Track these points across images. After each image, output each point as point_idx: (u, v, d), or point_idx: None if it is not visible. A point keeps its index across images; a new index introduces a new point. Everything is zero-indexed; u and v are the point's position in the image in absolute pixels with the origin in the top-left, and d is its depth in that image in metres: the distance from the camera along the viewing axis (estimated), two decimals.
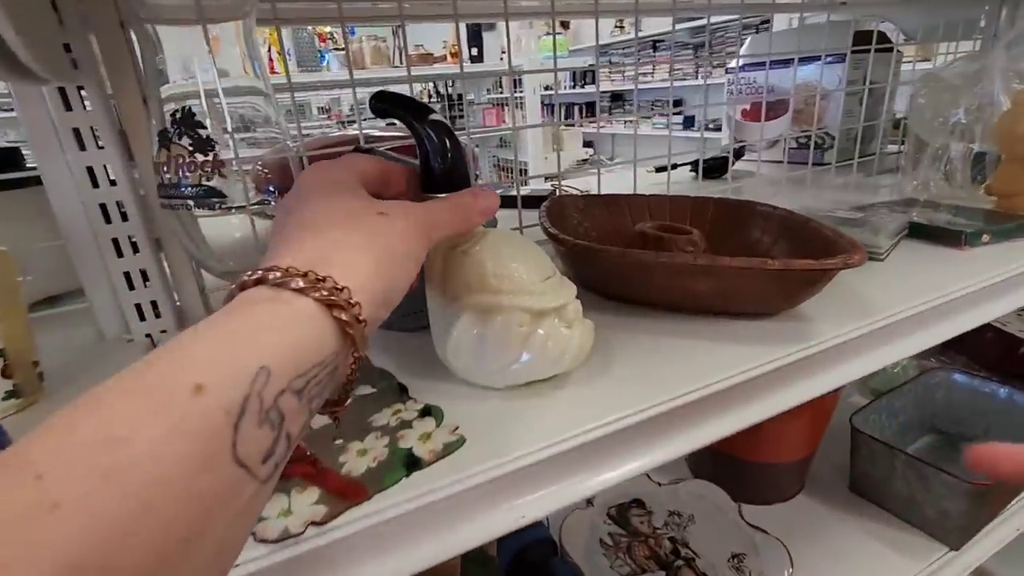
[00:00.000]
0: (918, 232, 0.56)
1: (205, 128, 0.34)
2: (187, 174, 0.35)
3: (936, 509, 0.60)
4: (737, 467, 0.66)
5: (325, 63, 3.35)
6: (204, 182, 0.35)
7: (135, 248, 0.45)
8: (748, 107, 1.03)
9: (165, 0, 0.36)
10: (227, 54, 0.38)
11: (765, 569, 0.54)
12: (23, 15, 0.31)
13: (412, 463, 0.27)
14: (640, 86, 4.26)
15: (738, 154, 1.00)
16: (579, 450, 0.29)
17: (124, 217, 0.44)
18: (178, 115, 0.34)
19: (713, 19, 0.99)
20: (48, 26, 0.37)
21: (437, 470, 0.27)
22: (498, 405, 0.32)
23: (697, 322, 0.40)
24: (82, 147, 0.42)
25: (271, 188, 0.40)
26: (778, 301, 0.39)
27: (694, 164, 0.97)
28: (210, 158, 0.35)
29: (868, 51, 0.83)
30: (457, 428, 0.29)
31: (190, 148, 0.34)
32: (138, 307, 0.47)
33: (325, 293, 0.19)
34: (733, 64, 0.99)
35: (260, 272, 0.20)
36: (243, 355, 0.17)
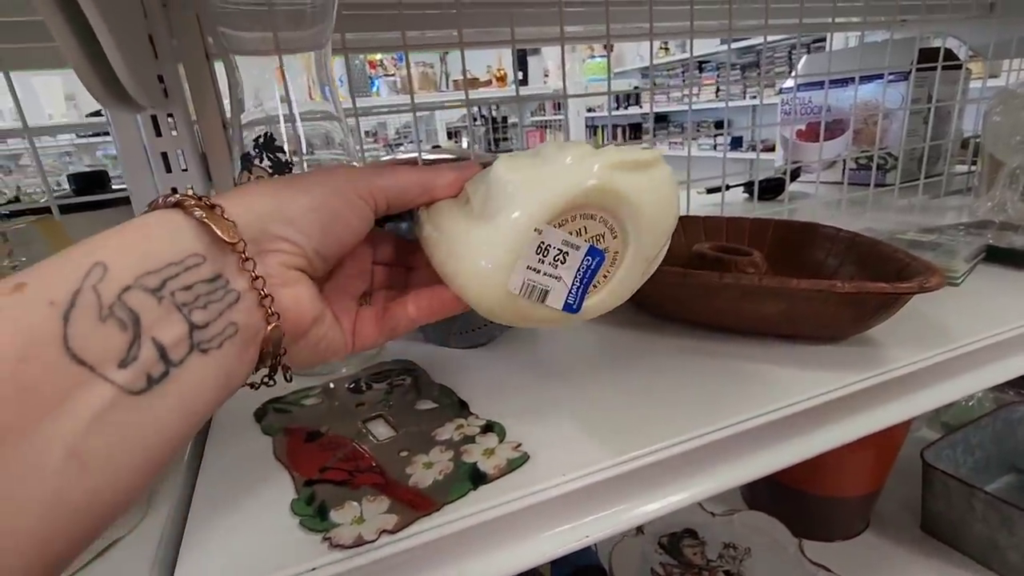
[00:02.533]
0: (997, 256, 0.53)
1: (284, 152, 0.36)
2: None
3: (1021, 554, 0.55)
4: (797, 500, 0.63)
5: (375, 89, 3.49)
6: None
7: None
8: (804, 127, 1.01)
9: (247, 34, 0.39)
10: (302, 81, 0.40)
11: None
12: (129, 49, 0.34)
13: (477, 477, 0.27)
14: (685, 107, 4.24)
15: (793, 175, 0.97)
16: (644, 471, 0.29)
17: None
18: (261, 140, 0.36)
19: (760, 39, 0.98)
20: (146, 58, 0.41)
21: (502, 485, 0.27)
22: (559, 422, 0.32)
23: (760, 345, 0.39)
24: (168, 169, 0.45)
25: None
26: (848, 326, 0.38)
27: (747, 185, 0.95)
28: None
29: (935, 68, 0.80)
30: (520, 445, 0.29)
31: (270, 171, 0.36)
32: None
33: (193, 203, 0.20)
34: (789, 84, 0.98)
35: (175, 196, 0.20)
36: (77, 255, 0.17)
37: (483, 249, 0.25)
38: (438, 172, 0.27)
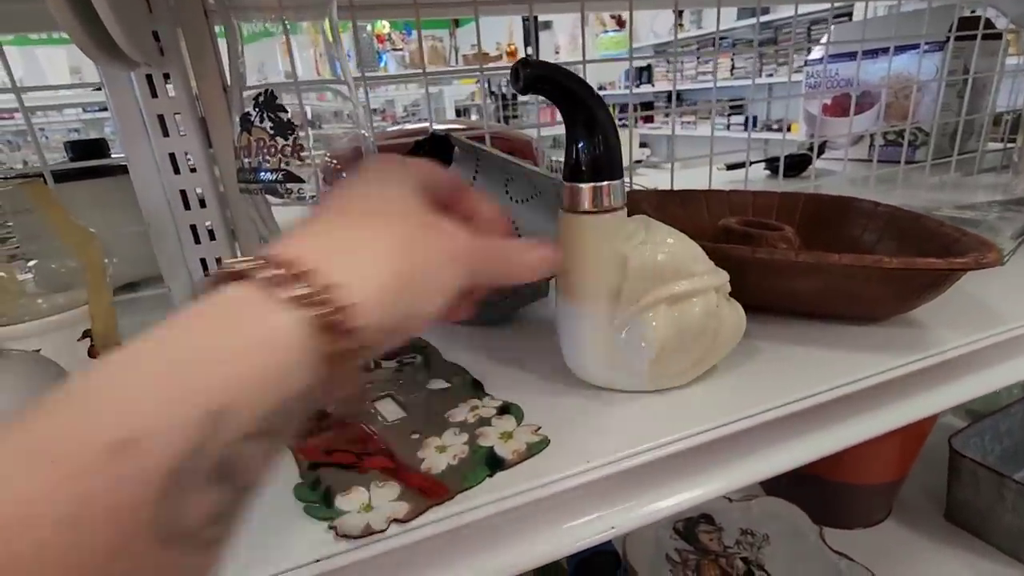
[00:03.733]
0: None
1: (286, 111, 0.34)
2: (267, 158, 0.34)
3: None
4: (817, 487, 0.61)
5: (383, 63, 3.42)
6: (284, 166, 0.34)
7: (212, 236, 0.46)
8: (829, 102, 0.97)
9: None
10: (308, 45, 0.38)
11: None
12: (119, 2, 0.32)
13: (495, 462, 0.25)
14: (700, 85, 4.14)
15: (817, 152, 0.93)
16: (672, 459, 0.27)
17: (202, 204, 0.45)
18: (261, 98, 0.34)
19: (780, 14, 0.93)
20: (139, 13, 0.38)
21: (520, 472, 0.25)
22: (578, 403, 0.30)
23: (793, 325, 0.37)
24: (165, 133, 0.42)
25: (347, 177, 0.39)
26: (890, 305, 0.35)
27: (769, 162, 0.92)
28: (290, 142, 0.34)
29: (973, 38, 0.75)
30: (539, 428, 0.27)
31: (271, 131, 0.34)
32: None
33: (321, 310, 0.15)
34: (815, 55, 0.93)
35: (248, 262, 0.16)
36: (191, 392, 0.13)
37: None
38: (523, 267, 0.25)
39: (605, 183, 0.28)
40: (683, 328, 0.29)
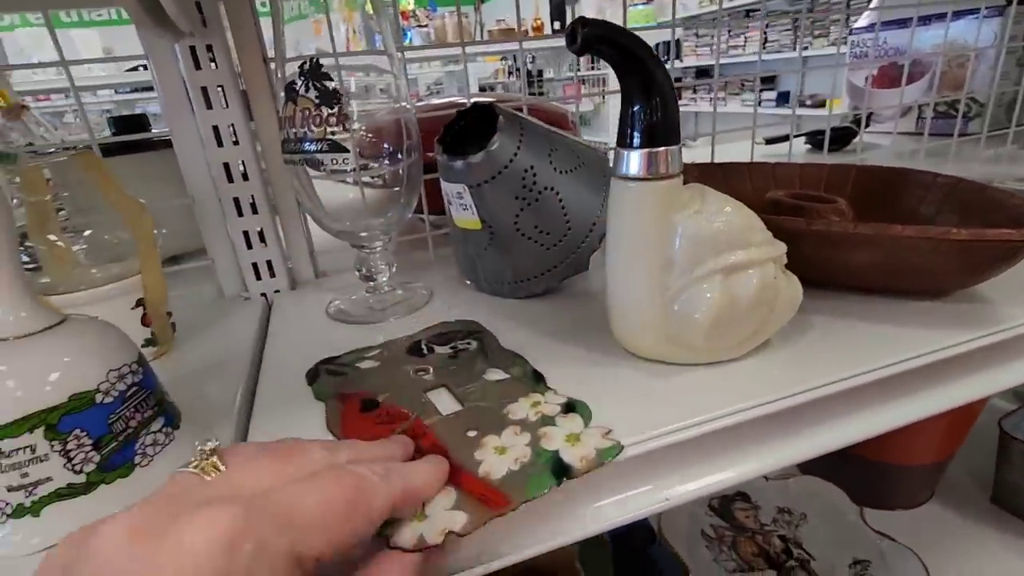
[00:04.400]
0: None
1: (331, 80, 0.33)
2: (312, 128, 0.34)
3: None
4: (858, 466, 0.60)
5: (408, 40, 3.39)
6: (329, 136, 0.34)
7: (254, 208, 0.46)
8: (875, 72, 0.92)
9: None
10: (341, 23, 0.37)
11: None
12: None
13: (561, 470, 0.22)
14: (730, 60, 4.00)
15: (859, 123, 0.90)
16: (728, 432, 0.26)
17: (245, 177, 0.45)
18: (306, 66, 0.33)
19: None
20: None
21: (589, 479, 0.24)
22: (627, 376, 0.30)
23: (851, 300, 0.35)
24: (209, 106, 0.43)
25: (389, 150, 0.39)
26: (956, 279, 0.34)
27: (811, 135, 0.88)
28: (335, 111, 0.34)
29: None
30: (610, 432, 0.24)
31: (316, 101, 0.34)
32: (255, 266, 0.48)
33: None
34: (862, 23, 0.89)
35: None
36: None
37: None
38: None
39: (662, 148, 0.27)
40: (738, 300, 0.28)
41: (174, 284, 0.52)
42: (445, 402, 0.29)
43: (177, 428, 0.26)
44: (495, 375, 0.30)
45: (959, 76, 0.82)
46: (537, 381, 0.29)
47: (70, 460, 0.21)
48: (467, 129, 0.40)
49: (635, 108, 0.26)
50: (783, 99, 3.73)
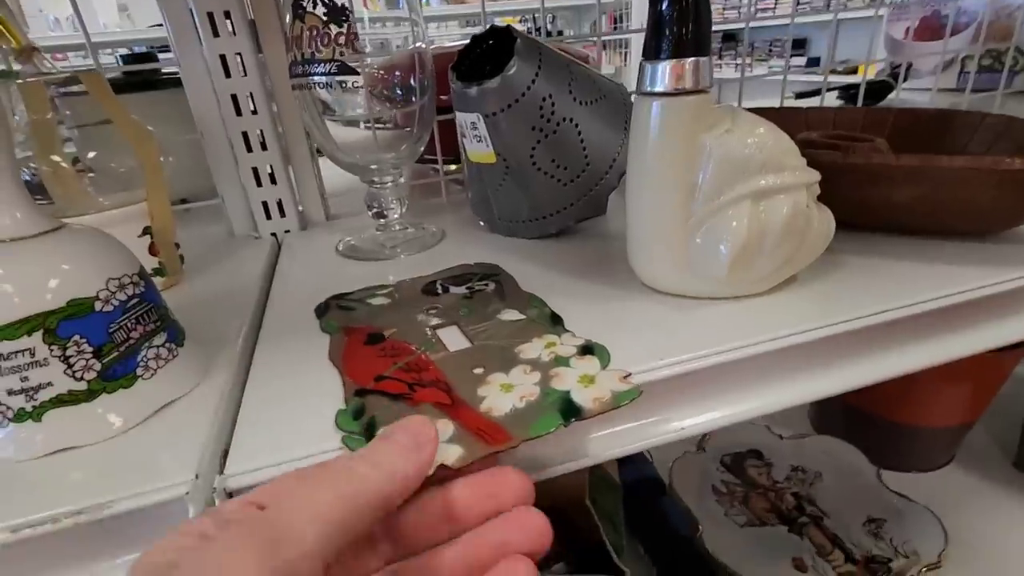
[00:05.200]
0: None
1: None
2: (321, 48, 0.33)
3: None
4: (876, 427, 0.58)
5: (425, 1, 3.31)
6: (338, 56, 0.32)
7: (263, 145, 0.45)
8: (916, 23, 0.87)
9: None
10: None
11: (911, 539, 0.48)
12: None
13: (570, 410, 0.21)
14: (757, 23, 3.84)
15: (897, 79, 0.85)
16: (748, 363, 0.25)
17: (254, 111, 0.44)
18: None
19: None
20: None
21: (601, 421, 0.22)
22: (645, 308, 0.28)
23: (889, 240, 0.33)
24: (215, 33, 0.41)
25: (402, 90, 0.37)
26: (1003, 216, 0.32)
27: (844, 90, 0.84)
28: (344, 29, 0.32)
29: None
30: (629, 375, 0.22)
31: (324, 18, 0.32)
32: (264, 205, 0.47)
33: None
34: None
35: None
36: None
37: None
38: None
39: (690, 59, 0.25)
40: (767, 228, 0.26)
41: (184, 224, 0.51)
42: (454, 339, 0.27)
43: (181, 346, 0.25)
44: (510, 315, 0.29)
45: (1007, 27, 0.76)
46: (554, 323, 0.27)
47: (70, 366, 0.21)
48: (483, 58, 0.38)
49: (662, 9, 0.24)
50: (813, 63, 3.58)
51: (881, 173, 0.31)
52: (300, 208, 0.49)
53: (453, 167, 0.56)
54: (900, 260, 0.31)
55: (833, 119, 0.48)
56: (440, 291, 0.33)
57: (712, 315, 0.27)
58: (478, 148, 0.37)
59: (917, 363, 0.28)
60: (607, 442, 0.24)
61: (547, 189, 0.38)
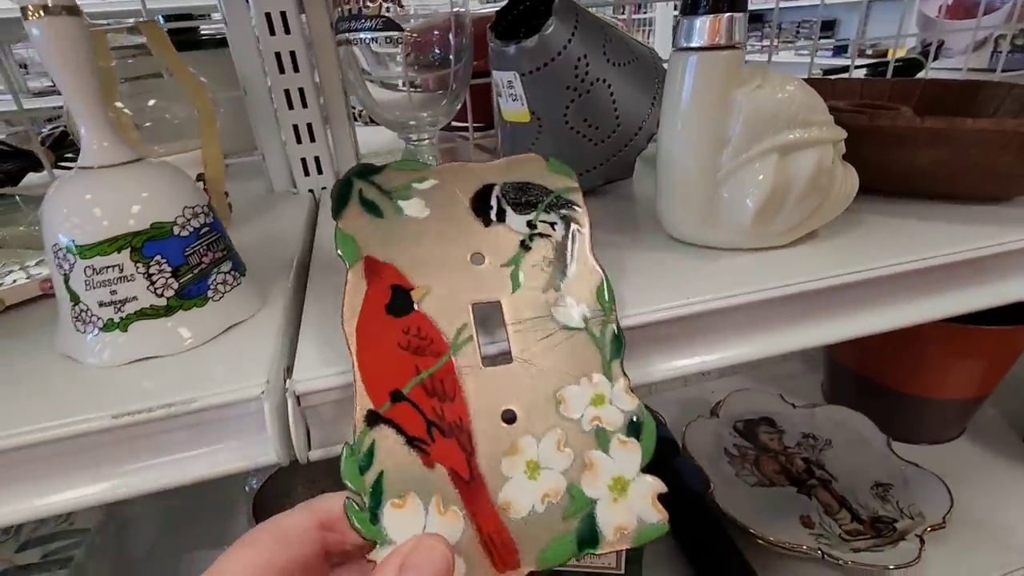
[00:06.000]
0: None
1: None
2: (368, 4, 0.34)
3: None
4: (888, 399, 0.59)
5: None
6: (384, 12, 0.34)
7: (304, 102, 0.47)
8: (950, 1, 0.86)
9: None
10: None
11: (917, 502, 0.50)
12: None
13: (589, 538, 0.19)
14: (784, 4, 3.74)
15: (927, 57, 0.84)
16: (767, 305, 0.27)
17: (296, 68, 0.45)
18: None
19: None
20: None
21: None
22: (671, 258, 0.30)
23: (910, 203, 0.35)
24: None
25: (439, 54, 0.39)
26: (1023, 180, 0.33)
27: (871, 68, 0.84)
28: None
29: None
30: (660, 494, 0.20)
31: None
32: (303, 162, 0.49)
33: None
34: None
35: None
36: None
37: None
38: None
39: (726, 15, 0.26)
40: (792, 182, 0.28)
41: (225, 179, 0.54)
42: (493, 333, 0.22)
43: (243, 275, 0.27)
44: (568, 314, 0.23)
45: None
46: (615, 351, 0.22)
47: (152, 283, 0.23)
48: (521, 17, 0.39)
49: None
50: (841, 51, 3.50)
51: (906, 135, 0.32)
52: (336, 170, 0.51)
53: (479, 134, 0.57)
54: (919, 220, 0.33)
55: (860, 90, 0.48)
56: (494, 210, 0.24)
57: (734, 264, 0.29)
58: (513, 107, 0.39)
59: (926, 315, 0.30)
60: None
61: (578, 148, 0.39)
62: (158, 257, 0.23)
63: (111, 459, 0.21)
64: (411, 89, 0.40)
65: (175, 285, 0.24)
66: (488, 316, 0.22)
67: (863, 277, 0.27)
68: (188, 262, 0.24)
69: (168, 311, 0.24)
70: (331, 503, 0.19)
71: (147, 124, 0.39)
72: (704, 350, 0.26)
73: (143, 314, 0.23)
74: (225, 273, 0.26)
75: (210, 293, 0.25)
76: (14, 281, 0.30)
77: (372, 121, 0.55)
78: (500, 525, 0.19)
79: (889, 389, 0.59)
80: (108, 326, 0.23)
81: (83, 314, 0.23)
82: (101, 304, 0.23)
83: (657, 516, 0.20)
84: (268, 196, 0.50)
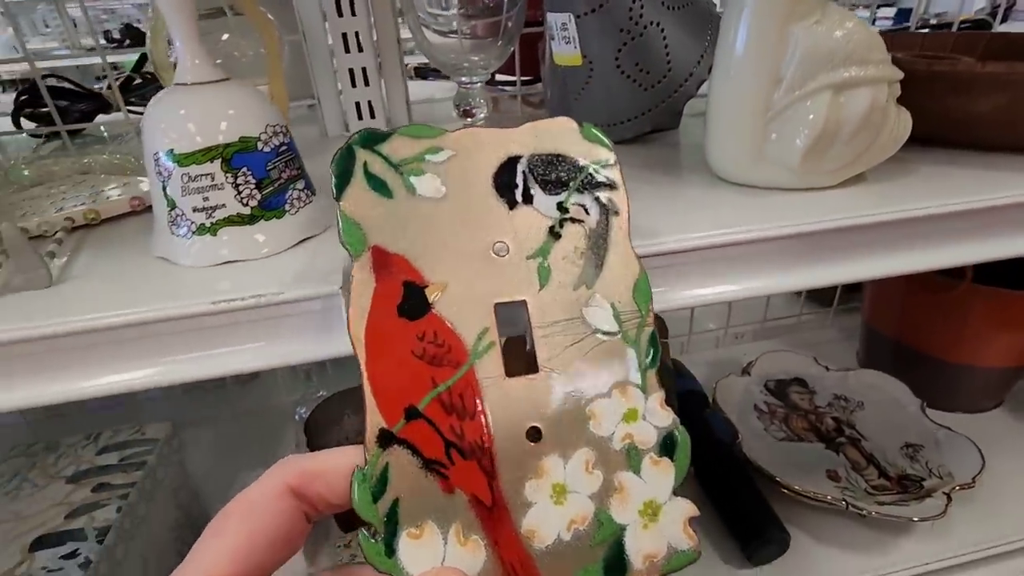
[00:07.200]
0: None
1: None
2: None
3: None
4: (926, 365, 0.59)
5: None
6: None
7: (360, 47, 0.48)
8: None
9: None
10: None
11: (947, 463, 0.50)
12: None
13: (616, 567, 0.18)
14: None
15: (995, 18, 0.80)
16: (805, 240, 0.27)
17: (353, 12, 0.47)
18: None
19: None
20: None
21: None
22: (714, 194, 0.31)
23: (963, 153, 0.34)
24: None
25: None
26: None
27: (936, 28, 0.80)
28: None
29: None
30: (692, 518, 0.19)
31: None
32: (357, 106, 0.51)
33: None
34: None
35: None
36: None
37: None
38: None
39: None
40: (844, 119, 0.28)
41: None
42: (516, 339, 0.20)
43: (314, 195, 0.29)
44: (600, 316, 0.20)
45: None
46: (653, 359, 0.20)
47: (239, 192, 0.25)
48: None
49: None
50: (902, 17, 3.30)
51: (965, 81, 0.32)
52: (388, 116, 0.53)
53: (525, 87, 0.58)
54: (973, 169, 0.32)
55: (921, 43, 0.47)
56: (519, 189, 0.21)
57: (780, 200, 0.30)
58: (565, 50, 0.40)
59: (969, 257, 0.30)
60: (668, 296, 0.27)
61: (628, 93, 0.40)
62: (244, 169, 0.25)
63: (198, 344, 0.24)
64: (464, 36, 0.41)
65: (258, 196, 0.26)
66: (512, 318, 0.20)
67: (906, 215, 0.28)
68: (269, 176, 0.26)
69: (251, 219, 0.26)
70: (297, 464, 0.18)
71: (217, 61, 0.41)
72: (745, 278, 0.28)
73: (230, 221, 0.26)
74: (300, 190, 0.28)
75: (287, 207, 0.27)
76: (107, 198, 0.33)
77: (417, 75, 0.56)
78: (524, 555, 0.18)
79: (928, 356, 0.59)
80: (200, 230, 0.26)
81: (178, 218, 0.26)
82: (195, 209, 0.25)
83: (689, 543, 0.18)
84: (322, 140, 0.52)
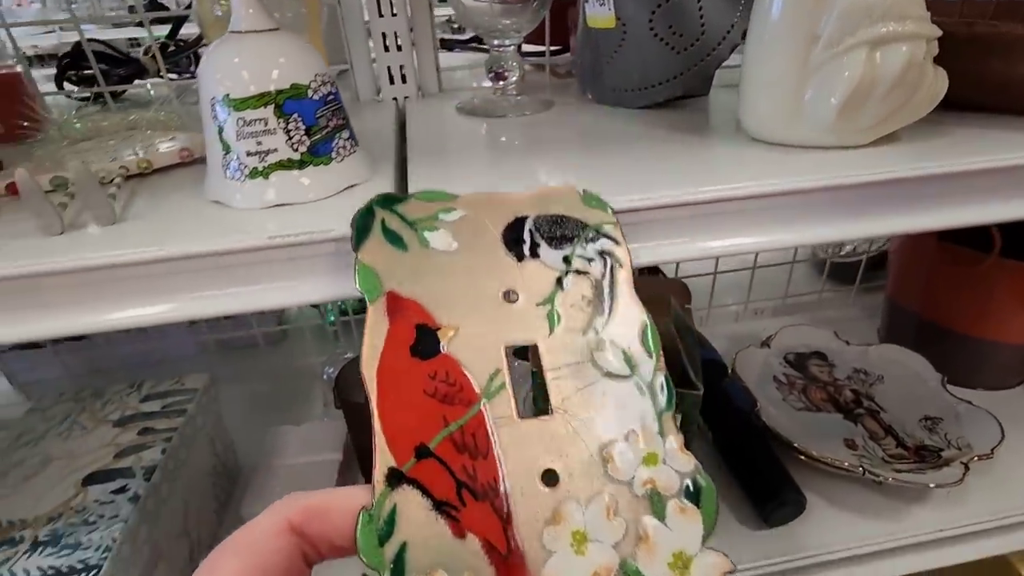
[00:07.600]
0: None
1: None
2: None
3: None
4: (949, 341, 0.59)
5: None
6: None
7: (393, 10, 0.49)
8: None
9: None
10: None
11: (966, 435, 0.50)
12: None
13: None
14: None
15: None
16: (834, 194, 0.28)
17: None
18: None
19: None
20: None
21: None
22: (749, 153, 0.31)
23: (999, 118, 0.34)
24: None
25: None
26: None
27: None
28: None
29: None
30: (727, 573, 0.17)
31: None
32: (388, 70, 0.51)
33: None
34: None
35: None
36: None
37: None
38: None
39: None
40: (880, 76, 0.28)
41: None
42: (528, 384, 0.21)
43: (358, 145, 0.31)
44: (610, 359, 0.20)
45: None
46: (667, 402, 0.20)
47: (290, 138, 0.27)
48: None
49: None
50: None
51: (1006, 43, 0.31)
52: (418, 83, 0.54)
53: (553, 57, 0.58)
54: (1009, 131, 0.32)
55: (960, 9, 0.47)
56: (528, 242, 0.23)
57: (814, 157, 0.30)
58: (600, 12, 0.40)
59: (997, 215, 0.30)
60: (702, 248, 0.28)
61: (660, 56, 0.40)
62: (295, 115, 0.27)
63: (251, 278, 0.25)
64: (495, 1, 0.42)
65: (307, 142, 0.27)
66: (522, 363, 0.21)
67: (939, 171, 0.28)
68: (318, 123, 0.27)
69: (301, 165, 0.27)
70: (301, 500, 0.17)
71: None
72: (778, 230, 0.28)
73: (281, 165, 0.27)
74: (345, 140, 0.29)
75: (333, 154, 0.28)
76: (158, 149, 0.34)
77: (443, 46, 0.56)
78: None
79: (952, 331, 0.59)
80: (253, 173, 0.27)
81: (232, 162, 0.27)
82: (248, 153, 0.27)
83: None
84: (354, 103, 0.53)
